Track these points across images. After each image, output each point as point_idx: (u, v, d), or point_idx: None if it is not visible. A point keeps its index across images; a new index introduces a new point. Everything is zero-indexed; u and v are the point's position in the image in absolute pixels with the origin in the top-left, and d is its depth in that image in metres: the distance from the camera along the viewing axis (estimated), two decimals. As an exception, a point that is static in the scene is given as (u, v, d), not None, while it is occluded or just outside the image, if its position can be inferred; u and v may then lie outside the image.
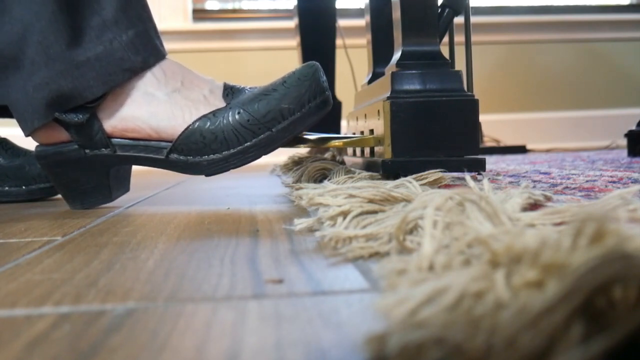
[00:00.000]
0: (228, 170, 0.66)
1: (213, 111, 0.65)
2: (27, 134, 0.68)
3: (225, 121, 0.65)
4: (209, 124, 0.65)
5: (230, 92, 0.67)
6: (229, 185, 1.01)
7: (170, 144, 0.66)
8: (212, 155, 0.65)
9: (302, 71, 0.66)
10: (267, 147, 0.65)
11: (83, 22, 0.65)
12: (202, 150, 0.65)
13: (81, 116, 0.65)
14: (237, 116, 0.65)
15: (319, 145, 0.74)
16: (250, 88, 0.68)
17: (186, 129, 0.65)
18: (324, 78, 0.67)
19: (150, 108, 0.66)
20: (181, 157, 0.66)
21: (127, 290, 0.30)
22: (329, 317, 0.24)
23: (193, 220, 0.57)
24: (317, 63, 0.68)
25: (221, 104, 0.66)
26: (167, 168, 0.68)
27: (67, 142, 0.68)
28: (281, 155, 0.98)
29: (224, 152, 0.65)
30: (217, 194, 0.85)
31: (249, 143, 0.65)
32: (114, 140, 0.67)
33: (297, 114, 0.65)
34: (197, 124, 0.65)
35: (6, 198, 0.89)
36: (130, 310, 0.27)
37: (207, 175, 0.67)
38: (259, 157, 0.66)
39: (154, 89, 0.67)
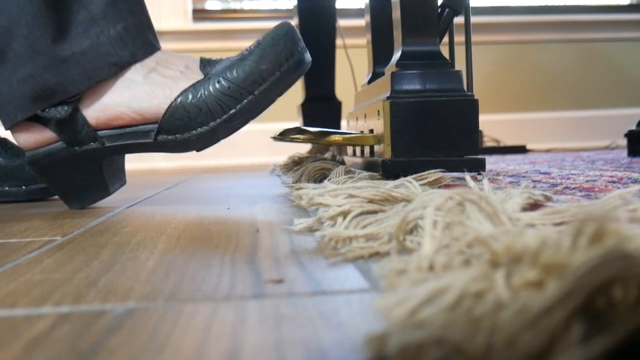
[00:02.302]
0: (218, 141, 0.66)
1: (193, 84, 0.65)
2: (7, 127, 0.68)
3: (206, 92, 0.64)
4: (190, 97, 0.64)
5: (207, 64, 0.67)
6: (229, 185, 1.01)
7: (156, 125, 0.65)
8: (199, 128, 0.65)
9: (275, 31, 0.66)
10: (252, 112, 0.65)
11: (70, 16, 0.65)
12: (188, 125, 0.65)
13: (64, 111, 0.65)
14: (217, 85, 0.64)
15: (319, 139, 0.74)
16: (227, 59, 0.68)
17: (169, 106, 0.64)
18: (299, 36, 0.66)
19: (129, 92, 0.66)
20: (169, 137, 0.66)
21: (127, 290, 0.30)
22: (329, 317, 0.24)
23: (193, 220, 0.57)
24: (289, 22, 0.67)
25: (199, 76, 0.66)
26: (157, 150, 0.67)
27: (55, 142, 0.67)
28: (281, 155, 0.98)
29: (210, 124, 0.65)
30: (217, 194, 0.85)
31: (233, 110, 0.64)
32: (101, 132, 0.67)
33: (276, 73, 0.64)
34: (180, 99, 0.64)
35: (6, 198, 0.89)
36: (130, 310, 0.27)
37: (198, 150, 0.66)
38: (246, 122, 0.66)
39: (130, 74, 0.66)
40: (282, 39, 0.65)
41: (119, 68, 0.66)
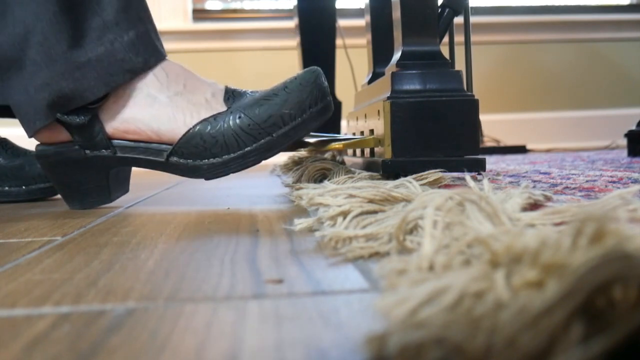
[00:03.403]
0: (228, 174, 0.66)
1: (214, 115, 0.65)
2: (30, 135, 0.69)
3: (225, 125, 0.65)
4: (209, 127, 0.65)
5: (231, 95, 0.67)
6: (229, 185, 1.01)
7: (170, 146, 0.66)
8: (212, 159, 0.65)
9: (303, 76, 0.66)
10: (267, 152, 0.65)
11: (84, 23, 0.65)
12: (202, 154, 0.65)
13: (83, 117, 0.66)
14: (237, 120, 0.65)
15: (319, 149, 0.74)
16: (251, 92, 0.68)
17: (187, 132, 0.65)
18: (326, 84, 0.67)
19: (152, 110, 0.66)
20: (181, 160, 0.66)
21: (127, 290, 0.30)
22: (329, 317, 0.24)
23: (193, 220, 0.57)
24: (319, 68, 0.68)
25: (222, 107, 0.66)
26: (167, 171, 0.68)
27: (68, 143, 0.68)
28: (281, 155, 0.98)
29: (224, 156, 0.65)
30: (217, 194, 0.85)
31: (249, 148, 0.65)
32: (115, 141, 0.67)
33: (298, 119, 0.65)
34: (198, 127, 0.65)
35: (6, 198, 0.89)
36: (130, 310, 0.27)
37: (207, 179, 0.67)
38: (259, 161, 0.66)
39: (156, 92, 0.67)
40: (309, 85, 0.65)
41: (133, 74, 0.66)
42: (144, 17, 0.68)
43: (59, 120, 0.66)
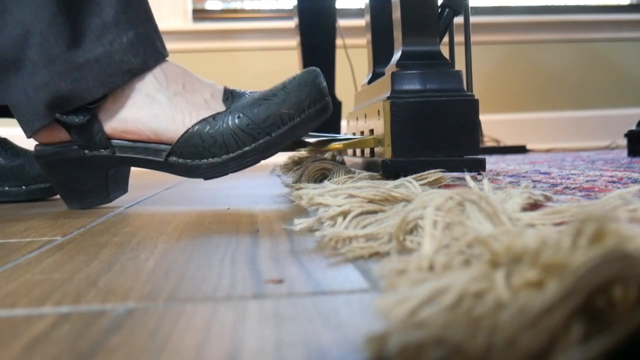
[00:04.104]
0: (227, 174, 0.66)
1: (213, 115, 0.65)
2: (29, 135, 0.69)
3: (224, 125, 0.65)
4: (208, 127, 0.65)
5: (230, 96, 0.67)
6: (229, 185, 1.01)
7: (169, 146, 0.66)
8: (211, 159, 0.65)
9: (302, 77, 0.66)
10: (266, 152, 0.65)
11: (83, 23, 0.65)
12: (201, 154, 0.65)
13: (82, 117, 0.66)
14: (236, 120, 0.65)
15: (319, 148, 0.74)
16: (250, 92, 0.68)
17: (186, 132, 0.65)
18: (324, 84, 0.67)
19: (151, 111, 0.66)
20: (180, 160, 0.66)
21: (127, 290, 0.30)
22: (329, 317, 0.24)
23: (193, 220, 0.57)
24: (317, 69, 0.68)
25: (221, 108, 0.66)
26: (165, 170, 0.68)
27: (67, 142, 0.68)
28: (281, 155, 0.98)
29: (223, 156, 0.65)
30: (217, 194, 0.85)
31: (248, 147, 0.65)
32: (114, 141, 0.67)
33: (296, 119, 0.65)
34: (197, 127, 0.65)
35: (6, 198, 0.89)
36: (130, 310, 0.27)
37: (206, 178, 0.67)
38: (258, 161, 0.66)
39: (155, 92, 0.67)
40: (308, 85, 0.66)
41: (132, 75, 0.66)
42: (144, 17, 0.68)
43: (58, 121, 0.66)
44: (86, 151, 0.67)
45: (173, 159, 0.66)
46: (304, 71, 0.67)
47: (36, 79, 0.65)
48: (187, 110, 0.66)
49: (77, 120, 0.65)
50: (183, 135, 0.65)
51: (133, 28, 0.66)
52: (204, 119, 0.65)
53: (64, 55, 0.65)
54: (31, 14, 0.65)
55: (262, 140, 0.65)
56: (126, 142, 0.67)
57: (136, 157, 0.68)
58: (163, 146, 0.67)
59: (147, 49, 0.67)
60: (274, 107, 0.65)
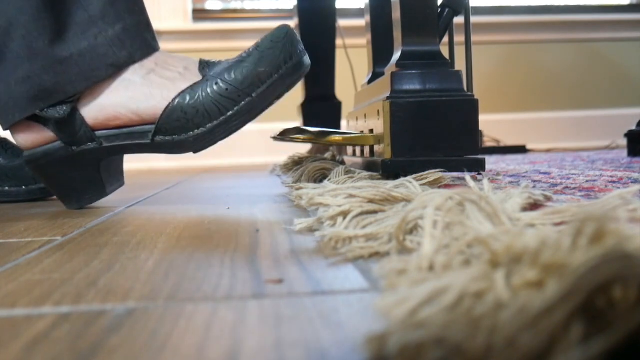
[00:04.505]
0: (215, 142, 0.66)
1: (191, 85, 0.65)
2: (6, 127, 0.68)
3: (204, 94, 0.64)
4: (188, 98, 0.64)
5: (206, 65, 0.67)
6: (229, 185, 1.01)
7: (153, 126, 0.66)
8: (196, 130, 0.65)
9: (274, 34, 0.66)
10: (249, 114, 0.65)
11: (68, 17, 0.65)
12: (185, 127, 0.65)
13: (62, 111, 0.65)
14: (215, 87, 0.64)
15: (319, 139, 0.74)
16: (226, 60, 0.68)
17: (167, 107, 0.65)
18: (298, 38, 0.67)
19: (127, 93, 0.66)
20: (167, 138, 0.66)
21: (127, 290, 0.30)
22: (329, 317, 0.24)
23: (193, 220, 0.57)
24: (289, 25, 0.68)
25: (198, 78, 0.66)
26: (155, 151, 0.67)
27: (54, 142, 0.67)
28: (281, 155, 0.98)
29: (207, 125, 0.65)
30: (217, 194, 0.85)
31: (231, 112, 0.64)
32: (99, 132, 0.67)
33: (274, 76, 0.65)
34: (177, 100, 0.65)
35: (6, 198, 0.89)
36: (130, 310, 0.27)
37: (195, 151, 0.66)
38: (244, 124, 0.66)
39: (129, 75, 0.66)
40: (280, 41, 0.65)
41: (116, 69, 0.66)
42: (134, 9, 0.68)
43: (40, 118, 0.66)
44: (74, 147, 0.67)
45: (159, 138, 0.66)
46: (276, 28, 0.67)
47: (19, 72, 0.65)
48: (163, 85, 0.65)
49: (57, 114, 0.65)
50: (164, 110, 0.65)
51: (121, 21, 0.66)
52: (183, 91, 0.65)
53: (47, 49, 0.65)
54: (15, 6, 0.65)
55: (243, 102, 0.64)
56: (110, 131, 0.67)
57: (123, 144, 0.67)
58: (147, 127, 0.66)
59: (134, 42, 0.67)
60: (250, 67, 0.64)
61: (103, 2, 0.65)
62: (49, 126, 0.67)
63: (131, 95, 0.66)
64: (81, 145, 0.67)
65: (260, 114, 0.67)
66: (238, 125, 0.65)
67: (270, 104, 0.66)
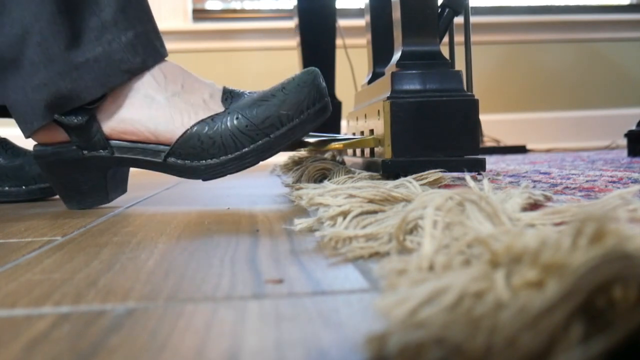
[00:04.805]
0: (225, 175, 0.66)
1: (211, 116, 0.65)
2: (27, 135, 0.69)
3: (223, 126, 0.65)
4: (207, 128, 0.65)
5: (229, 96, 0.67)
6: (229, 185, 1.01)
7: (168, 147, 0.66)
8: (209, 160, 0.65)
9: (301, 77, 0.66)
10: (265, 153, 0.65)
11: (82, 23, 0.65)
12: (199, 155, 0.65)
13: (80, 118, 0.66)
14: (235, 121, 0.65)
15: (319, 149, 0.74)
16: (249, 93, 0.68)
17: (184, 133, 0.65)
18: (324, 84, 0.67)
19: (150, 111, 0.66)
20: (179, 161, 0.66)
21: (127, 290, 0.30)
22: (329, 317, 0.24)
23: (193, 220, 0.57)
24: (317, 69, 0.68)
25: (220, 108, 0.66)
26: (164, 171, 0.68)
27: (66, 143, 0.68)
28: (281, 155, 0.98)
29: (221, 157, 0.65)
30: (217, 194, 0.85)
31: (246, 149, 0.65)
32: (112, 142, 0.67)
33: (295, 120, 0.65)
34: (195, 128, 0.65)
35: (6, 198, 0.89)
36: (130, 310, 0.27)
37: (204, 179, 0.67)
38: (257, 162, 0.66)
39: (154, 92, 0.67)
40: (307, 86, 0.65)
41: (131, 75, 0.66)
42: (144, 17, 0.68)
43: (57, 121, 0.66)
44: (85, 152, 0.67)
45: (172, 160, 0.66)
46: (303, 72, 0.67)
47: (35, 79, 0.65)
48: (185, 110, 0.66)
49: (75, 120, 0.65)
50: (182, 136, 0.65)
51: (132, 28, 0.66)
52: (203, 120, 0.65)
53: (63, 55, 0.65)
54: (30, 13, 0.65)
55: (260, 141, 0.65)
56: (125, 143, 0.67)
57: (135, 158, 0.67)
58: (162, 147, 0.66)
59: (146, 48, 0.67)
60: (273, 108, 0.65)
61: (115, 9, 0.65)
62: (66, 129, 0.67)
63: (153, 114, 0.66)
64: (93, 150, 0.67)
65: (275, 154, 0.67)
66: (252, 162, 0.66)
67: (287, 145, 0.66)
